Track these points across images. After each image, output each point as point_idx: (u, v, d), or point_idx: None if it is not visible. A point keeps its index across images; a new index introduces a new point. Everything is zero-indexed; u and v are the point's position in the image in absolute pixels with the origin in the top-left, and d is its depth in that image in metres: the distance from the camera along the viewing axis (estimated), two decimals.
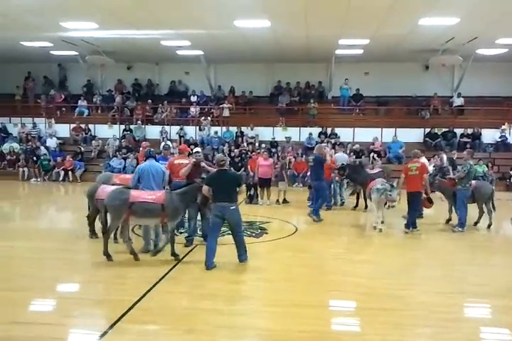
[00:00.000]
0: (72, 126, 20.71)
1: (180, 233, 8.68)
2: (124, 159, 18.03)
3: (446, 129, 19.18)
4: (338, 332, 4.98)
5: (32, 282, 6.17)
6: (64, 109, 22.02)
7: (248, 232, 9.13)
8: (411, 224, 9.42)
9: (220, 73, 22.63)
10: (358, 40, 16.90)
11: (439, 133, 19.13)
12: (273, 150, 18.64)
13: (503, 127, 18.86)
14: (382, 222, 9.59)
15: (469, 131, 19.06)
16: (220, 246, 7.79)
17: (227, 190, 6.86)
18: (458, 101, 20.62)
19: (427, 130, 19.30)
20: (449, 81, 21.66)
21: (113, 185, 8.67)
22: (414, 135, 19.12)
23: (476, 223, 10.00)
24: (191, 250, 7.77)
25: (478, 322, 5.34)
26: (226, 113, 20.91)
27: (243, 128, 19.93)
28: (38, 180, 18.27)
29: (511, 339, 4.93)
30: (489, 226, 9.71)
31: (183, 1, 12.33)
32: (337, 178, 12.33)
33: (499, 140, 18.63)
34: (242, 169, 14.87)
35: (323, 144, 13.40)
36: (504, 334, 5.00)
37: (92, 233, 8.49)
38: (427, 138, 18.93)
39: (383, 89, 20.95)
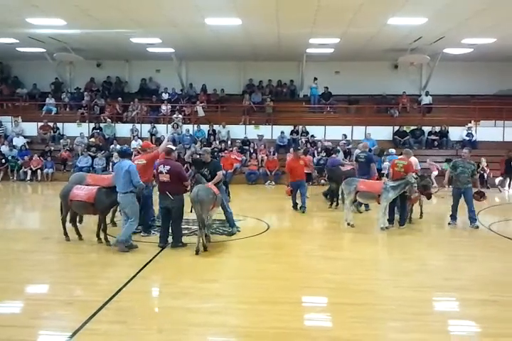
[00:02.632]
0: (40, 124, 20.24)
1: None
2: (93, 158, 17.74)
3: (415, 127, 19.52)
4: (309, 327, 5.03)
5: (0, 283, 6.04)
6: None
7: (220, 230, 9.12)
8: (399, 220, 9.67)
9: (191, 71, 22.49)
10: (328, 39, 17.02)
11: (408, 131, 19.45)
12: (245, 148, 18.67)
13: (469, 125, 19.31)
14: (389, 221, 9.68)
15: (437, 128, 19.45)
16: (193, 245, 7.79)
17: None
18: (426, 100, 21.01)
19: (396, 128, 19.60)
20: (418, 80, 22.07)
21: (87, 185, 8.55)
22: (383, 133, 19.37)
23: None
24: (162, 249, 7.70)
25: (447, 315, 5.48)
26: (201, 113, 20.75)
27: (215, 126, 19.86)
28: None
29: (478, 331, 5.06)
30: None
31: None
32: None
33: (466, 138, 19.06)
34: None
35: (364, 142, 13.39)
36: (471, 326, 5.15)
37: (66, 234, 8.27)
38: (396, 136, 19.23)
39: (354, 88, 21.18)
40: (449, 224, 9.87)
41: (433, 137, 19.29)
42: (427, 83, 21.52)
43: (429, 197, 9.67)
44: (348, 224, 9.65)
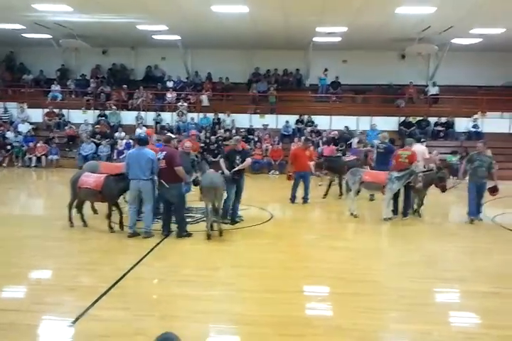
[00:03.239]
0: (46, 111, 20.26)
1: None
2: (97, 145, 17.76)
3: (421, 118, 19.39)
4: (309, 316, 5.06)
5: (3, 269, 6.09)
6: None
7: (228, 219, 9.13)
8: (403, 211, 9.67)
9: (197, 59, 22.36)
10: (335, 28, 16.85)
11: (414, 122, 19.32)
12: (250, 137, 18.63)
13: (476, 116, 19.17)
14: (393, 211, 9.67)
15: (443, 119, 19.31)
16: (195, 233, 7.84)
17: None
18: (433, 90, 20.84)
19: (402, 118, 19.48)
20: (425, 70, 21.85)
21: (100, 173, 8.55)
22: (389, 123, 19.23)
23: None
24: (166, 237, 7.74)
25: (448, 306, 5.49)
26: (205, 102, 20.71)
27: (220, 115, 19.81)
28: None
29: (478, 322, 5.07)
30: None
31: None
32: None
33: (472, 129, 18.93)
34: (219, 156, 14.80)
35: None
36: (471, 318, 5.17)
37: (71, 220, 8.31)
38: (402, 127, 19.11)
39: (360, 78, 20.99)
40: (471, 221, 9.30)
41: (439, 128, 19.16)
42: (434, 73, 21.32)
43: (443, 190, 9.50)
44: (352, 214, 9.65)
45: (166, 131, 13.40)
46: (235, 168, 8.78)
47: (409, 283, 5.93)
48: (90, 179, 8.03)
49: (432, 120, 19.39)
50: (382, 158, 10.99)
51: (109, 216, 8.02)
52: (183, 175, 7.69)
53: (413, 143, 10.35)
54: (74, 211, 8.38)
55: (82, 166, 16.02)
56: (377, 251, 7.57)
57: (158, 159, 7.66)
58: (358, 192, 10.06)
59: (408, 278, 6.11)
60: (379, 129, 18.21)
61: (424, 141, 14.45)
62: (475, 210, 9.37)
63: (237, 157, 8.86)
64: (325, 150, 14.98)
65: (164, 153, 7.71)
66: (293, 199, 11.15)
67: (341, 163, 12.12)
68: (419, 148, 11.06)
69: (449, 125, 19.23)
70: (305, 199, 11.17)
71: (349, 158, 13.05)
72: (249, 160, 9.03)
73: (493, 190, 9.50)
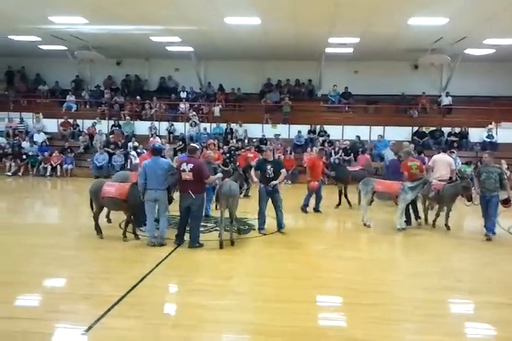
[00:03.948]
0: (60, 121, 20.54)
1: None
2: (111, 155, 17.91)
3: (434, 128, 19.33)
4: (323, 327, 5.02)
5: (18, 277, 6.14)
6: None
7: (236, 228, 9.13)
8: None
9: (210, 70, 22.59)
10: (347, 39, 16.95)
11: (427, 132, 19.27)
12: (262, 147, 18.65)
13: (490, 126, 19.04)
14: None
15: (457, 130, 19.22)
16: (207, 242, 7.86)
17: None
18: (446, 101, 20.79)
19: (415, 128, 19.43)
20: (438, 80, 21.84)
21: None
22: (402, 133, 19.20)
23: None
24: (178, 245, 7.75)
25: (462, 317, 5.42)
26: (217, 113, 20.86)
27: (232, 125, 19.92)
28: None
29: (494, 334, 5.00)
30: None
31: None
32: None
33: (486, 139, 18.79)
34: (231, 165, 14.86)
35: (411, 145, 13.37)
36: (486, 329, 5.08)
37: (99, 231, 8.25)
38: (415, 137, 19.05)
39: (372, 88, 21.05)
40: (486, 236, 8.79)
41: (453, 138, 19.07)
42: (447, 84, 21.29)
43: (469, 199, 9.15)
44: (365, 224, 9.60)
45: (188, 142, 13.52)
46: (267, 177, 8.78)
47: (424, 293, 5.86)
48: (114, 188, 8.06)
49: (446, 130, 19.31)
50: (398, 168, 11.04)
51: (127, 224, 8.10)
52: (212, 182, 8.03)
53: (410, 153, 10.35)
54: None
55: (98, 175, 16.29)
56: (390, 262, 7.51)
57: (184, 171, 7.58)
58: (371, 202, 10.02)
59: (422, 288, 6.05)
60: (387, 140, 18.21)
61: (452, 152, 14.47)
62: (491, 225, 8.86)
63: (269, 166, 8.83)
64: (360, 159, 14.80)
65: (191, 165, 7.60)
66: (304, 208, 11.13)
67: (346, 172, 12.13)
68: (446, 159, 11.04)
69: (463, 135, 19.13)
70: (317, 209, 11.15)
71: (354, 168, 13.10)
72: (284, 172, 8.99)
73: (506, 202, 8.90)
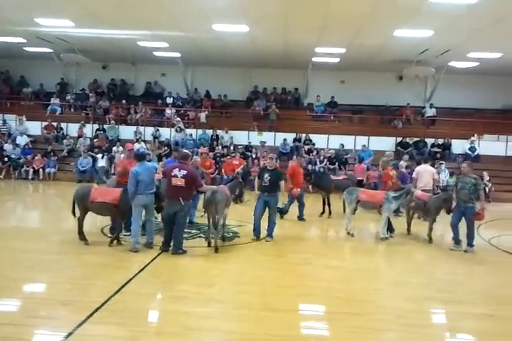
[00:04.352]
0: (44, 124, 20.31)
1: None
2: (94, 159, 17.73)
3: (418, 139, 19.57)
4: (306, 335, 5.01)
5: None
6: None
7: (220, 235, 9.09)
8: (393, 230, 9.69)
9: (197, 76, 22.60)
10: (334, 49, 17.13)
11: (411, 143, 19.49)
12: (248, 154, 18.70)
13: (473, 138, 19.34)
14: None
15: (440, 141, 19.48)
16: (191, 249, 7.81)
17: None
18: (430, 112, 21.08)
19: (399, 139, 19.64)
20: (422, 92, 22.16)
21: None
22: (386, 143, 19.39)
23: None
24: (161, 252, 7.69)
25: (444, 327, 5.46)
26: (203, 119, 20.85)
27: (218, 132, 19.92)
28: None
29: None
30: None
31: (161, 2, 12.28)
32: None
33: (469, 151, 19.06)
34: (216, 172, 14.84)
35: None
36: (466, 339, 5.14)
37: (84, 238, 8.08)
38: (399, 147, 19.25)
39: (358, 98, 21.27)
40: (451, 249, 8.74)
41: (436, 149, 19.32)
42: (431, 95, 21.60)
43: (448, 212, 9.12)
44: (348, 233, 9.64)
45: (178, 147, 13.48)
46: (263, 185, 8.78)
47: (406, 303, 5.89)
48: (104, 193, 7.99)
49: (429, 141, 19.56)
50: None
51: (113, 229, 8.09)
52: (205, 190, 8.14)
53: (386, 162, 10.51)
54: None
55: (80, 180, 16.09)
56: (374, 271, 7.53)
57: (176, 176, 7.53)
58: (355, 211, 10.08)
59: (405, 298, 6.08)
60: (370, 150, 18.41)
61: (441, 163, 14.68)
62: (457, 237, 8.73)
63: (266, 175, 8.80)
64: (356, 168, 14.87)
65: (184, 172, 7.55)
66: (282, 214, 11.13)
67: (329, 180, 12.20)
68: (428, 169, 11.20)
69: (446, 146, 19.40)
70: (300, 217, 11.16)
71: (338, 177, 13.22)
72: (282, 183, 8.94)
73: (475, 215, 8.58)
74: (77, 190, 8.20)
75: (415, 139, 19.61)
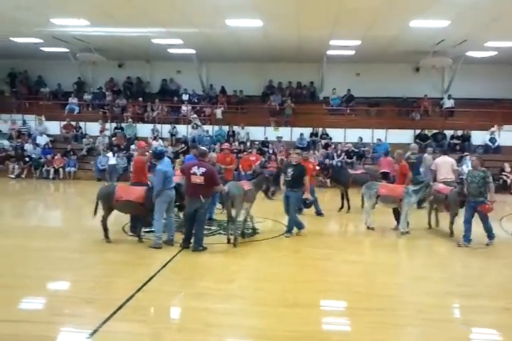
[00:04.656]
0: (63, 123, 20.57)
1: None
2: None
3: (437, 131, 19.34)
4: (327, 331, 5.02)
5: (22, 280, 6.14)
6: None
7: (239, 231, 9.14)
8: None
9: (212, 72, 22.62)
10: (349, 41, 16.99)
11: (429, 135, 19.27)
12: (265, 149, 18.72)
13: (492, 129, 19.05)
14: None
15: (459, 132, 19.22)
16: (212, 246, 7.87)
17: None
18: (448, 103, 20.80)
19: (417, 131, 19.43)
20: (440, 83, 21.83)
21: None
22: (404, 136, 19.21)
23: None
24: (182, 249, 7.76)
25: (466, 322, 5.41)
26: (219, 115, 20.92)
27: (234, 128, 19.96)
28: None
29: (498, 339, 5.01)
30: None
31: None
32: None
33: (489, 142, 18.80)
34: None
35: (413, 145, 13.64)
36: (491, 334, 5.09)
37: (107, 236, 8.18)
38: (417, 140, 19.04)
39: (374, 90, 21.05)
40: (458, 246, 8.49)
41: (455, 141, 19.07)
42: (449, 86, 21.29)
43: (462, 206, 8.95)
44: (368, 227, 9.59)
45: (196, 144, 13.50)
46: (287, 180, 8.81)
47: (427, 298, 5.86)
48: (129, 191, 8.11)
49: (448, 133, 19.32)
50: (414, 169, 11.25)
51: (134, 228, 8.24)
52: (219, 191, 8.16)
53: (403, 156, 10.51)
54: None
55: (100, 178, 16.33)
56: (394, 266, 7.50)
57: (195, 174, 7.61)
58: (374, 205, 10.00)
59: (425, 293, 6.05)
60: (386, 143, 18.27)
61: (466, 155, 14.50)
62: (467, 234, 8.44)
63: (289, 170, 8.82)
64: (382, 161, 14.54)
65: (203, 169, 7.62)
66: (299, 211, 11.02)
67: (347, 175, 12.11)
68: (448, 160, 11.10)
69: (466, 138, 19.12)
70: (319, 212, 11.14)
71: (356, 171, 13.11)
72: (307, 179, 8.91)
73: (482, 205, 8.30)
74: (101, 189, 8.31)
75: (434, 131, 19.36)
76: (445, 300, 5.86)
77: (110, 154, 17.40)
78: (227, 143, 14.42)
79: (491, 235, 8.58)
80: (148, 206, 7.90)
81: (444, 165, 11.19)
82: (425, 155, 13.61)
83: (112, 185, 8.53)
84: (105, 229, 8.12)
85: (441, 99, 21.28)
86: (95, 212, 8.27)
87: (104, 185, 8.62)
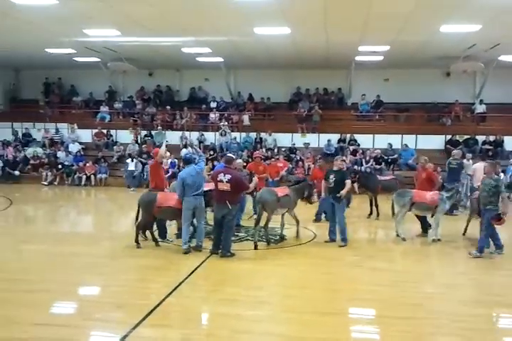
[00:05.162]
0: (94, 131, 21.02)
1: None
2: (144, 164, 18.15)
3: (468, 136, 18.96)
4: (355, 339, 4.97)
5: (54, 285, 6.29)
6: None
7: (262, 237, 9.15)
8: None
9: (239, 79, 22.77)
10: (378, 47, 16.85)
11: (461, 141, 18.91)
12: (292, 156, 18.70)
13: None
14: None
15: (491, 138, 18.80)
16: (240, 252, 7.89)
17: None
18: (480, 108, 20.39)
19: (448, 137, 19.10)
20: (471, 88, 21.41)
21: None
22: (435, 142, 18.91)
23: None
24: (210, 255, 7.80)
25: (501, 332, 5.28)
26: (246, 121, 21.03)
27: (262, 134, 20.02)
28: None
29: None
30: None
31: (204, 8, 12.45)
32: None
33: None
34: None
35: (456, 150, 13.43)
36: None
37: (138, 241, 8.28)
38: (448, 145, 18.71)
39: (404, 96, 20.80)
40: (469, 254, 8.13)
41: (487, 147, 18.64)
42: (480, 91, 20.87)
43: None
44: (398, 235, 9.35)
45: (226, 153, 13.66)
46: (329, 187, 8.77)
47: (459, 307, 5.75)
48: (170, 198, 8.21)
49: (480, 138, 18.92)
50: (454, 174, 11.18)
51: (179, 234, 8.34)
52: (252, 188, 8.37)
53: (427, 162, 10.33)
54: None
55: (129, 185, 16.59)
56: (424, 273, 7.36)
57: (221, 181, 7.70)
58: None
59: (457, 301, 5.93)
60: (413, 148, 18.02)
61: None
62: (481, 242, 8.04)
63: (331, 176, 8.77)
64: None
65: (229, 176, 7.69)
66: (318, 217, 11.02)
67: (376, 181, 11.98)
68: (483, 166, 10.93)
69: (498, 144, 18.68)
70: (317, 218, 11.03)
71: (385, 177, 12.95)
72: (348, 182, 8.78)
73: (494, 218, 7.87)
74: (143, 197, 8.45)
75: (465, 137, 18.98)
76: (477, 309, 5.71)
77: (129, 160, 17.76)
78: (258, 151, 14.40)
79: (482, 244, 8.09)
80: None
81: (481, 171, 11.03)
82: (464, 160, 13.47)
83: (152, 192, 8.60)
84: (153, 236, 8.33)
85: (473, 104, 20.88)
86: (137, 219, 8.41)
87: (145, 192, 8.73)
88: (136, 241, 8.26)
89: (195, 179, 7.91)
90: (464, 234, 9.73)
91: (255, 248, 8.22)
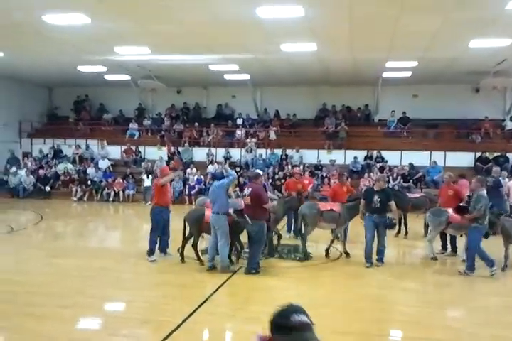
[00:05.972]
0: (124, 148, 21.39)
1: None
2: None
3: (498, 154, 18.56)
4: None
5: (80, 299, 6.35)
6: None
7: (292, 256, 9.08)
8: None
9: (266, 96, 22.92)
10: (405, 63, 16.77)
11: (491, 158, 18.51)
12: (317, 172, 18.61)
13: None
14: None
15: None
16: (265, 269, 7.83)
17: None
18: (510, 125, 19.99)
19: (478, 154, 18.74)
20: (501, 104, 21.03)
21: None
22: (464, 159, 18.56)
23: None
24: (235, 272, 7.78)
25: None
26: (272, 136, 21.12)
27: (288, 151, 20.02)
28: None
29: None
30: None
31: (231, 27, 12.67)
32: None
33: None
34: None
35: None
36: None
37: (200, 259, 8.28)
38: (478, 163, 18.34)
39: (432, 112, 20.52)
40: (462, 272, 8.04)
41: None
42: (511, 107, 20.48)
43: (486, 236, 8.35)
44: (432, 258, 9.02)
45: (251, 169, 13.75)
46: (373, 207, 8.36)
47: (490, 329, 5.56)
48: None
49: (511, 156, 18.49)
50: (491, 191, 11.04)
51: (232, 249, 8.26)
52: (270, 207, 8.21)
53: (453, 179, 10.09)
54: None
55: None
56: (454, 294, 7.17)
57: (245, 195, 7.83)
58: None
59: (487, 323, 5.74)
60: (440, 166, 17.70)
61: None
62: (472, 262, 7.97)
63: (376, 197, 8.34)
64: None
65: (250, 189, 7.79)
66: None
67: (405, 199, 11.68)
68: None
69: None
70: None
71: (415, 194, 12.70)
72: (393, 204, 8.44)
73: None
74: (190, 213, 8.53)
75: (495, 154, 18.59)
76: (506, 332, 5.49)
77: (144, 177, 18.09)
78: (298, 168, 14.32)
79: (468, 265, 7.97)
80: (235, 229, 8.00)
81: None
82: (500, 178, 13.28)
83: (200, 208, 8.67)
84: (196, 252, 8.27)
85: (503, 120, 20.49)
86: (184, 236, 8.42)
87: (193, 209, 8.83)
88: (199, 259, 8.24)
89: (214, 194, 7.92)
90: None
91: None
